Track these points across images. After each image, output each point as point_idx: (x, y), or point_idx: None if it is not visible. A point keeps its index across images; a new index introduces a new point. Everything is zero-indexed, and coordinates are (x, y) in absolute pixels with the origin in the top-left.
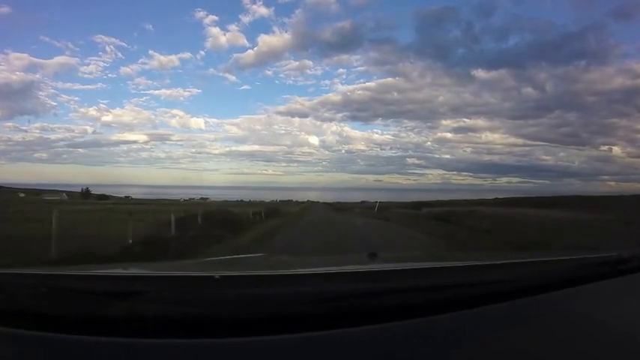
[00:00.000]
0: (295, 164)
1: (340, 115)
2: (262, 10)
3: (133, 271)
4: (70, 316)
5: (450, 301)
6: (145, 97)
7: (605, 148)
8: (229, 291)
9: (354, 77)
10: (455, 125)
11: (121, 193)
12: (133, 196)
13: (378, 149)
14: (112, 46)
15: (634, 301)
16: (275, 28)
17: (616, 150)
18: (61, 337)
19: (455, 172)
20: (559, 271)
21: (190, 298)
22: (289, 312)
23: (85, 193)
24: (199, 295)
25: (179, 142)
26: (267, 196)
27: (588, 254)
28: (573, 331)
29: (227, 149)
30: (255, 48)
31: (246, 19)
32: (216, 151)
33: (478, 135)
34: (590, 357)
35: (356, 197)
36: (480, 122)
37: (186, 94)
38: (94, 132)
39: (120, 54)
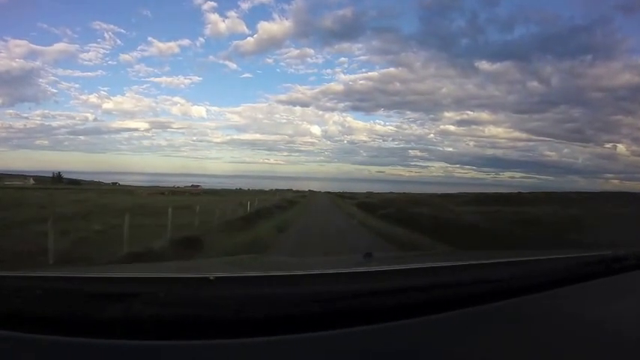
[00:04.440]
0: (297, 154)
1: (342, 104)
2: None
3: (128, 272)
4: (66, 318)
5: (446, 301)
6: (145, 85)
7: (610, 145)
8: (224, 292)
9: (356, 67)
10: (458, 118)
11: (114, 180)
12: (121, 183)
13: (381, 140)
14: (110, 33)
15: (629, 300)
16: (275, 15)
17: (620, 148)
18: (57, 339)
19: (458, 166)
20: (555, 269)
21: (185, 299)
22: (284, 313)
23: (57, 179)
24: (194, 296)
25: (180, 130)
26: (269, 185)
27: (584, 252)
28: (569, 330)
29: (228, 138)
30: (255, 35)
31: (245, 5)
32: (218, 140)
33: (482, 128)
34: (585, 355)
35: (359, 188)
36: (484, 115)
37: (186, 81)
38: (95, 119)
39: (119, 41)
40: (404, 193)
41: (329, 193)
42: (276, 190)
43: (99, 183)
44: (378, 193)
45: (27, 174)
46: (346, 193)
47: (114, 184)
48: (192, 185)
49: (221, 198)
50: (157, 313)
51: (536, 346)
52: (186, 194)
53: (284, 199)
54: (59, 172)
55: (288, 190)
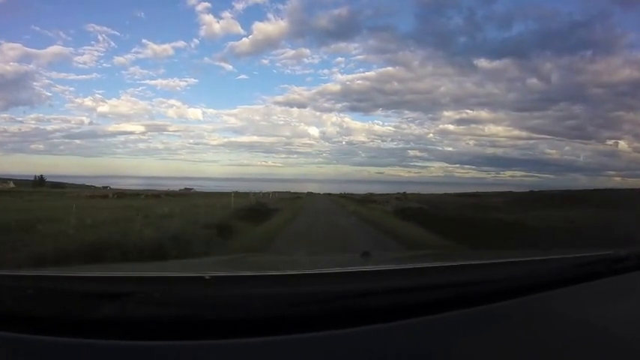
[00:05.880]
0: (295, 155)
1: (340, 105)
2: None
3: (123, 271)
4: (58, 318)
5: (444, 301)
6: (140, 88)
7: (611, 142)
8: (220, 291)
9: (353, 66)
10: (457, 117)
11: (108, 183)
12: (115, 186)
13: (379, 141)
14: (104, 35)
15: (630, 301)
16: (270, 15)
17: (622, 145)
18: (49, 340)
19: (457, 165)
20: (555, 270)
21: (181, 299)
22: (281, 313)
23: (38, 182)
24: (190, 295)
25: (177, 133)
26: (268, 188)
27: (584, 252)
28: (570, 330)
29: (225, 140)
30: (251, 36)
31: (239, 5)
32: (215, 142)
33: (481, 127)
34: (586, 356)
35: (358, 189)
36: (483, 114)
37: (182, 83)
38: (90, 123)
39: (113, 43)
40: (416, 193)
41: (329, 194)
42: (274, 192)
43: (89, 187)
44: (380, 194)
45: (22, 178)
46: (347, 194)
47: (105, 187)
48: (185, 188)
49: (173, 202)
50: (151, 313)
51: (536, 346)
52: (141, 196)
53: (257, 205)
54: (41, 175)
55: (285, 192)
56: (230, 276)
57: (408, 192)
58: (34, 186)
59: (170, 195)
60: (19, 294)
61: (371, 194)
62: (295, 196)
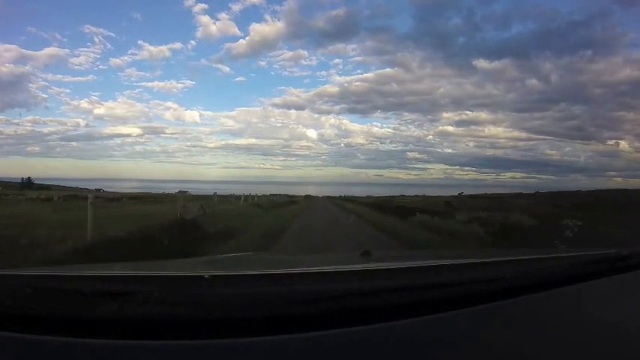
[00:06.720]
0: (294, 158)
1: (338, 107)
2: None
3: (122, 270)
4: (57, 318)
5: (445, 300)
6: (137, 90)
7: (612, 142)
8: (219, 291)
9: (351, 68)
10: (457, 118)
11: (103, 186)
12: (110, 190)
13: (378, 143)
14: (100, 37)
15: (632, 300)
16: (267, 17)
17: (623, 145)
18: (48, 339)
19: (457, 167)
20: (557, 268)
21: (180, 298)
22: (281, 312)
23: (25, 184)
24: (189, 295)
25: (174, 136)
26: (266, 190)
27: (586, 251)
28: (571, 330)
29: (223, 143)
30: (247, 37)
31: (236, 7)
32: (212, 145)
33: (481, 128)
34: (587, 355)
35: (357, 192)
36: (483, 115)
37: (179, 85)
38: (86, 125)
39: (109, 45)
40: (423, 195)
41: (330, 197)
42: (272, 195)
43: (82, 189)
44: (386, 196)
45: (17, 181)
46: (348, 196)
47: (98, 190)
48: (179, 191)
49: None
50: (151, 313)
51: (537, 345)
52: (99, 200)
53: (172, 226)
54: (29, 177)
55: (283, 194)
56: (230, 275)
57: (427, 195)
58: (21, 188)
59: (136, 197)
60: (18, 294)
61: (392, 197)
62: (289, 201)
